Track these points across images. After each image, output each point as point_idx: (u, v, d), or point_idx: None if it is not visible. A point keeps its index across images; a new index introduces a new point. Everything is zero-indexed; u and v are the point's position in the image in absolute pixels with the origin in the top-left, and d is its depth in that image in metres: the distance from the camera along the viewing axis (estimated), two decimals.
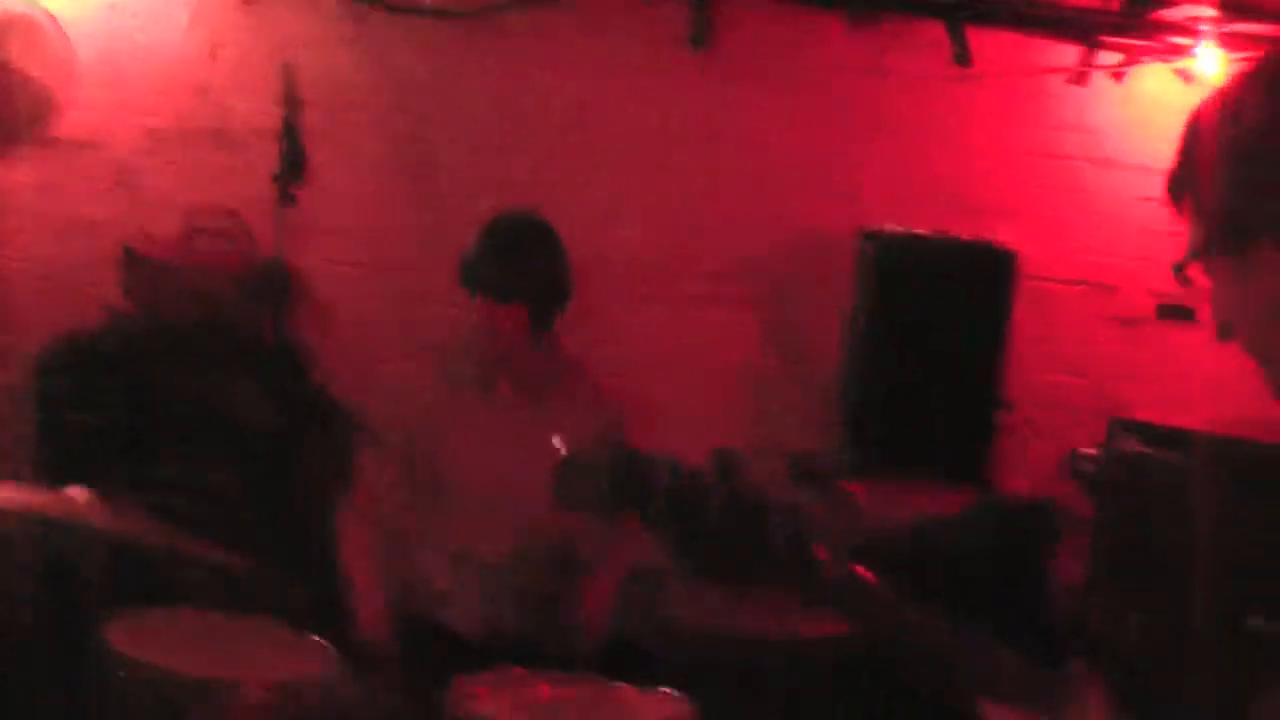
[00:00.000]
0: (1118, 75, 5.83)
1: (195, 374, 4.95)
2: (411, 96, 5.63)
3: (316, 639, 3.49)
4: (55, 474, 4.62)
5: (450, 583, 4.09)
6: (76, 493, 3.28)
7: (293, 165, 3.99)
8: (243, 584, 3.47)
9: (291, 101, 4.01)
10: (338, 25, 5.54)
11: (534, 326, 4.03)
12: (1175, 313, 5.84)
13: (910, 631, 1.88)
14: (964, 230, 5.45)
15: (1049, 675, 1.88)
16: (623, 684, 3.51)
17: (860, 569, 1.88)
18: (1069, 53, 5.77)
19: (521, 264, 4.01)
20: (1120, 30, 5.78)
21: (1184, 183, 1.65)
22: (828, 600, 1.89)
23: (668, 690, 3.46)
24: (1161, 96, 5.78)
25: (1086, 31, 5.78)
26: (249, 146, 5.41)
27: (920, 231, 5.37)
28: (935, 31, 5.69)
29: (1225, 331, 1.65)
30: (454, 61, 5.64)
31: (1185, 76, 5.74)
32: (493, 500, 4.06)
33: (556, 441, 1.93)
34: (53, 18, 5.19)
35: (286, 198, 4.05)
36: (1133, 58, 5.80)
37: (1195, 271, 1.66)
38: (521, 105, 5.66)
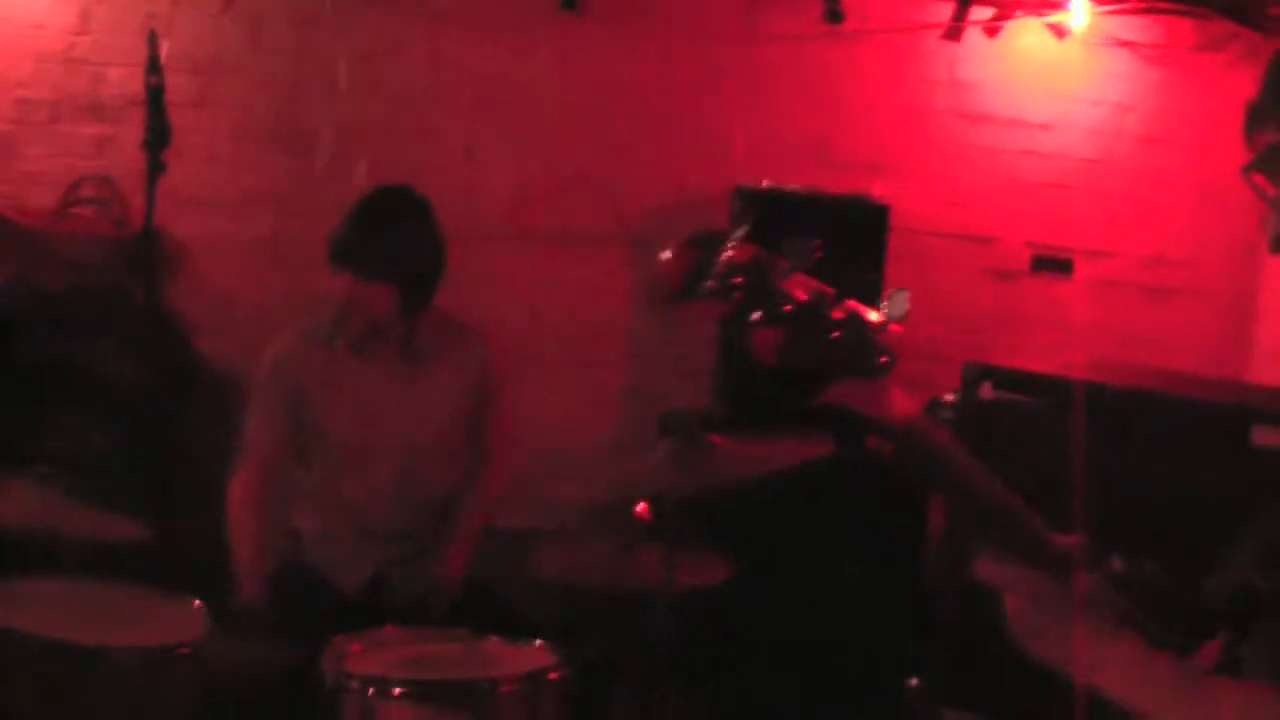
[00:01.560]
0: (991, 30, 5.88)
1: (69, 340, 4.94)
2: (282, 65, 5.60)
3: (192, 602, 3.48)
4: None
5: (328, 538, 4.12)
6: None
7: (159, 133, 3.95)
8: (124, 552, 3.46)
9: (156, 69, 3.97)
10: None
11: (405, 303, 4.03)
12: (1051, 265, 5.93)
13: (962, 477, 1.94)
14: (838, 186, 5.50)
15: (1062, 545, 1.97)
16: (492, 636, 3.55)
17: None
18: (943, 9, 5.82)
19: (389, 243, 3.99)
20: None
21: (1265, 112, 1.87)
22: (895, 437, 1.92)
23: (537, 642, 3.50)
24: (1035, 51, 5.85)
25: None
26: (122, 116, 5.40)
27: (793, 187, 5.41)
28: None
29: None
30: (324, 29, 5.61)
31: (1058, 31, 5.81)
32: (369, 459, 4.09)
33: None
34: None
35: (157, 166, 4.02)
36: (1006, 12, 5.85)
37: (1260, 180, 1.88)
38: (392, 71, 5.65)
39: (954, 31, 5.86)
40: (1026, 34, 5.89)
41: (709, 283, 1.83)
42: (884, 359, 1.85)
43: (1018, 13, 5.86)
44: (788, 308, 1.83)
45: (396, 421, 4.11)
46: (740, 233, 1.87)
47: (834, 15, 5.71)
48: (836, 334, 1.83)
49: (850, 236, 5.11)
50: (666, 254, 1.95)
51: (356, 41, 5.62)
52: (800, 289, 1.84)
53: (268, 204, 5.54)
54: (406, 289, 4.02)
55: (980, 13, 5.85)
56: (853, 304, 1.86)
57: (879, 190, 5.55)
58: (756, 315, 1.83)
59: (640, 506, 4.27)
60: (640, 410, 5.55)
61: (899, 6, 5.88)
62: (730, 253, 1.84)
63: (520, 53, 5.70)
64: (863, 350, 1.85)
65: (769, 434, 3.28)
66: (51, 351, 4.90)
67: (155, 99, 3.93)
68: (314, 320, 4.18)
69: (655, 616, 3.62)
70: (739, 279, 1.83)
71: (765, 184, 5.43)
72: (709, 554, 3.61)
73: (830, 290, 1.85)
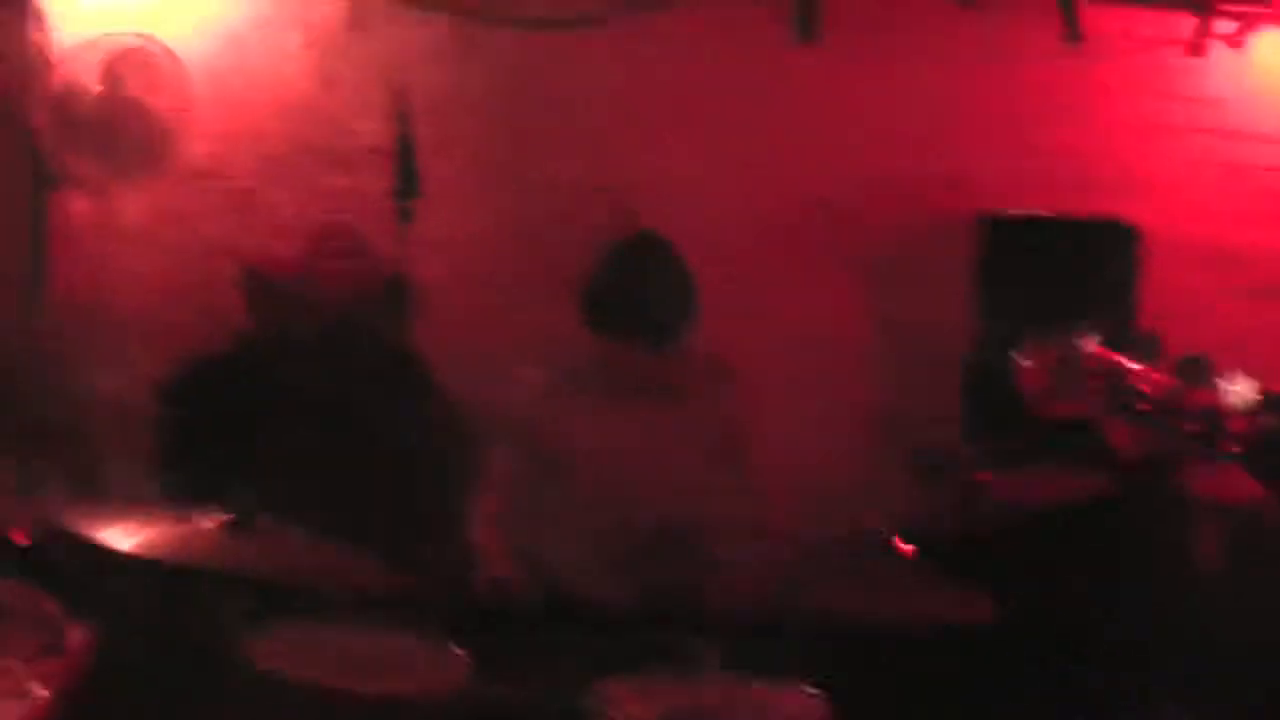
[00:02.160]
0: (1235, 43, 5.70)
1: (323, 387, 5.01)
2: (523, 107, 5.65)
3: (455, 650, 3.49)
4: (185, 497, 4.71)
5: (584, 574, 4.10)
6: (207, 520, 3.30)
7: (408, 182, 4.02)
8: (382, 598, 3.48)
9: (404, 120, 4.04)
10: (447, 42, 5.57)
11: (658, 350, 4.01)
12: None
13: None
14: (1084, 208, 5.37)
15: None
16: (758, 683, 3.48)
17: None
18: (1184, 24, 5.66)
19: (643, 303, 3.99)
20: None
21: None
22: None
23: (803, 688, 3.43)
24: None
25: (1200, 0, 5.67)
26: (365, 166, 5.50)
27: (1040, 212, 5.30)
28: (1046, 7, 5.61)
29: None
30: (563, 70, 5.65)
31: None
32: (624, 496, 4.07)
33: None
34: (168, 50, 5.28)
35: (404, 213, 4.08)
36: (1249, 24, 5.67)
37: None
38: (630, 107, 5.66)
39: (1197, 47, 5.70)
40: (1272, 45, 5.69)
41: (1071, 386, 1.82)
42: (1234, 448, 1.83)
43: (1262, 25, 5.67)
44: (1144, 406, 1.82)
45: (653, 459, 4.09)
46: (1089, 335, 1.84)
47: (1073, 34, 5.59)
48: (1192, 427, 1.82)
49: (1100, 260, 4.99)
50: (1027, 361, 1.94)
51: (595, 81, 5.64)
52: (1155, 385, 1.82)
53: (509, 244, 5.58)
54: (656, 343, 4.00)
55: (1223, 26, 5.68)
56: (1204, 396, 1.83)
57: (1127, 211, 5.40)
58: (1117, 412, 1.82)
59: (900, 540, 4.19)
60: (886, 439, 5.47)
61: (1138, 23, 5.73)
62: (1087, 355, 1.82)
63: (758, 83, 5.67)
64: (1215, 440, 1.83)
65: (1039, 471, 3.18)
66: (305, 399, 4.97)
67: (404, 149, 3.99)
68: (567, 357, 4.19)
69: (914, 653, 3.54)
70: (1098, 380, 1.82)
71: (1009, 210, 5.32)
72: (973, 592, 3.52)
73: (1180, 384, 1.83)
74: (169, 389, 5.14)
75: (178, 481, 4.87)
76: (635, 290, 3.98)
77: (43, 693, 2.56)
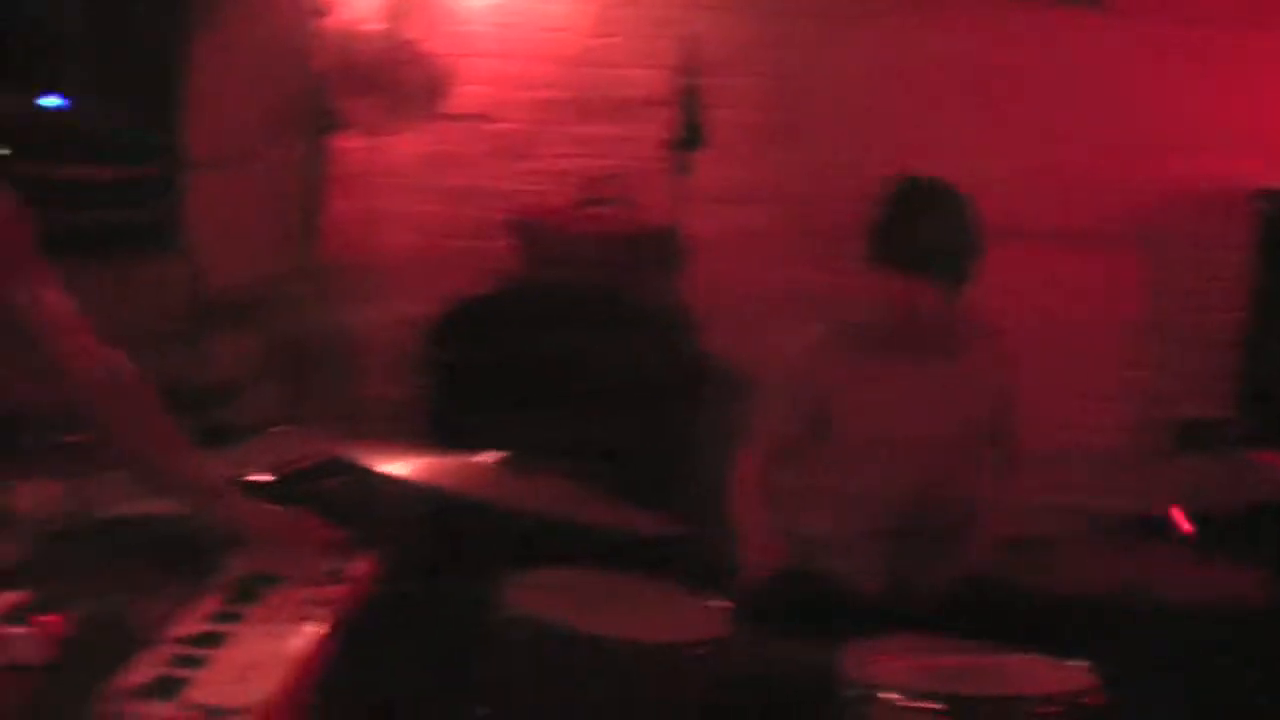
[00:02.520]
0: None
1: (585, 337, 5.03)
2: (800, 61, 5.58)
3: (712, 600, 3.46)
4: (451, 438, 4.76)
5: (840, 537, 4.04)
6: (484, 458, 3.32)
7: (692, 134, 3.99)
8: (644, 546, 3.46)
9: (692, 71, 4.00)
10: None
11: (944, 297, 3.92)
12: None
13: None
14: None
15: None
16: (1024, 652, 3.38)
17: None
18: None
19: (935, 236, 3.87)
20: None
21: None
22: None
23: (1072, 661, 3.32)
24: None
25: None
26: (638, 116, 5.48)
27: None
28: None
29: None
30: (841, 25, 5.56)
31: None
32: (892, 458, 4.00)
33: None
34: None
35: (682, 165, 4.05)
36: None
37: None
38: (910, 67, 5.55)
39: None
40: None
41: None
42: None
43: None
44: None
45: (922, 420, 4.00)
46: None
47: None
48: None
49: None
50: None
51: (862, 35, 5.55)
52: None
53: (775, 198, 5.52)
54: (948, 282, 3.90)
55: None
56: None
57: None
58: None
59: (1175, 512, 4.05)
60: (1152, 415, 5.32)
61: None
62: None
63: (1036, 47, 5.53)
64: None
65: None
66: (568, 348, 4.99)
67: (690, 100, 3.96)
68: (841, 315, 4.12)
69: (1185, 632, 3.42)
70: None
71: None
72: (1255, 572, 3.38)
73: None
74: (436, 329, 5.21)
75: (445, 422, 4.95)
76: (927, 224, 3.88)
77: (328, 618, 2.58)
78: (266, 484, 3.61)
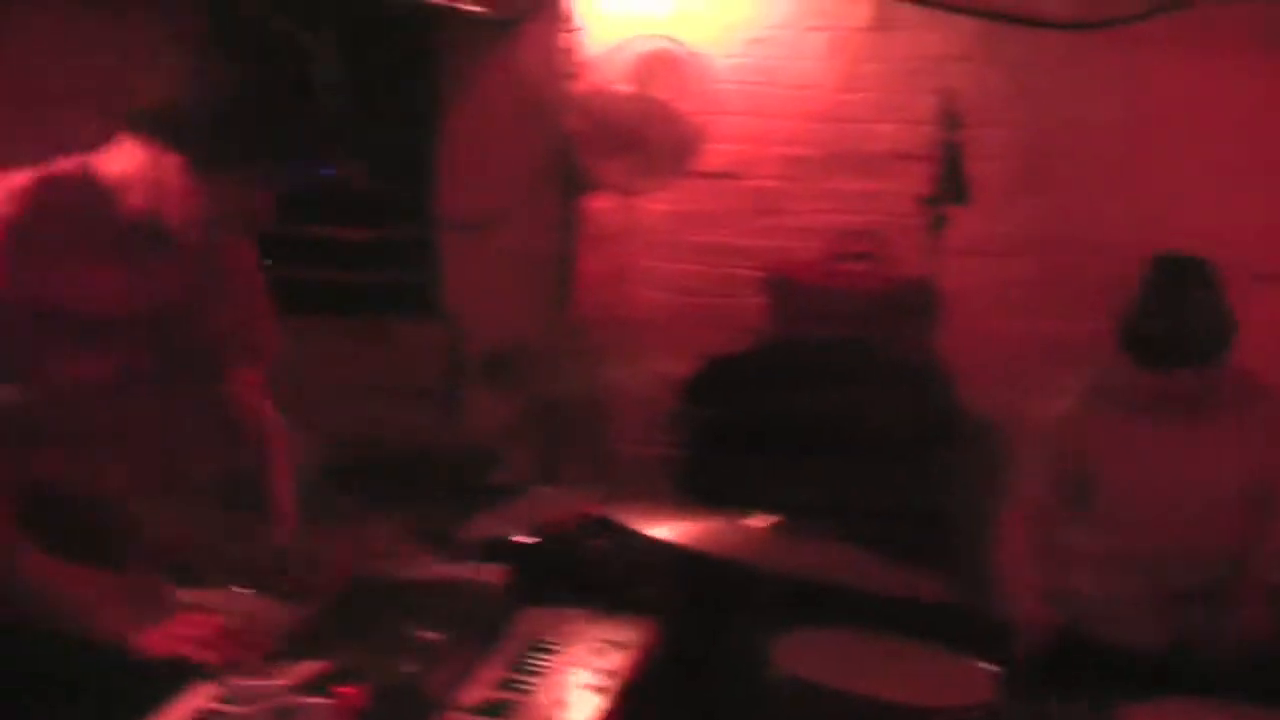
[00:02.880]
0: None
1: (840, 392, 5.00)
2: (1050, 112, 5.49)
3: (982, 664, 3.41)
4: (708, 496, 4.76)
5: (1111, 598, 3.96)
6: (750, 520, 3.30)
7: (954, 188, 3.96)
8: (912, 608, 3.42)
9: (952, 124, 3.98)
10: (975, 44, 5.46)
11: (1202, 378, 3.85)
12: None
13: None
14: None
15: None
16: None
17: None
18: None
19: (1187, 329, 3.80)
20: None
21: None
22: None
23: None
24: None
25: None
26: (889, 170, 5.47)
27: None
28: None
29: None
30: (1089, 74, 5.46)
31: None
32: (1156, 516, 3.91)
33: None
34: (696, 53, 5.35)
35: (938, 219, 4.03)
36: None
37: None
38: (1165, 111, 5.43)
39: None
40: None
41: None
42: None
43: None
44: None
45: (1189, 479, 3.91)
46: None
47: None
48: None
49: None
50: None
51: (1118, 81, 5.44)
52: None
53: (1029, 249, 5.44)
54: (1203, 368, 3.83)
55: None
56: None
57: None
58: None
59: None
60: None
61: None
62: None
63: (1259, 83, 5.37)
64: None
65: None
66: (822, 403, 4.97)
67: (951, 154, 3.93)
68: (1097, 374, 4.05)
69: None
70: None
71: None
72: None
73: None
74: (691, 387, 5.23)
75: (702, 479, 4.95)
76: (1177, 319, 3.81)
77: (610, 684, 2.60)
78: (530, 545, 3.64)
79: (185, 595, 2.60)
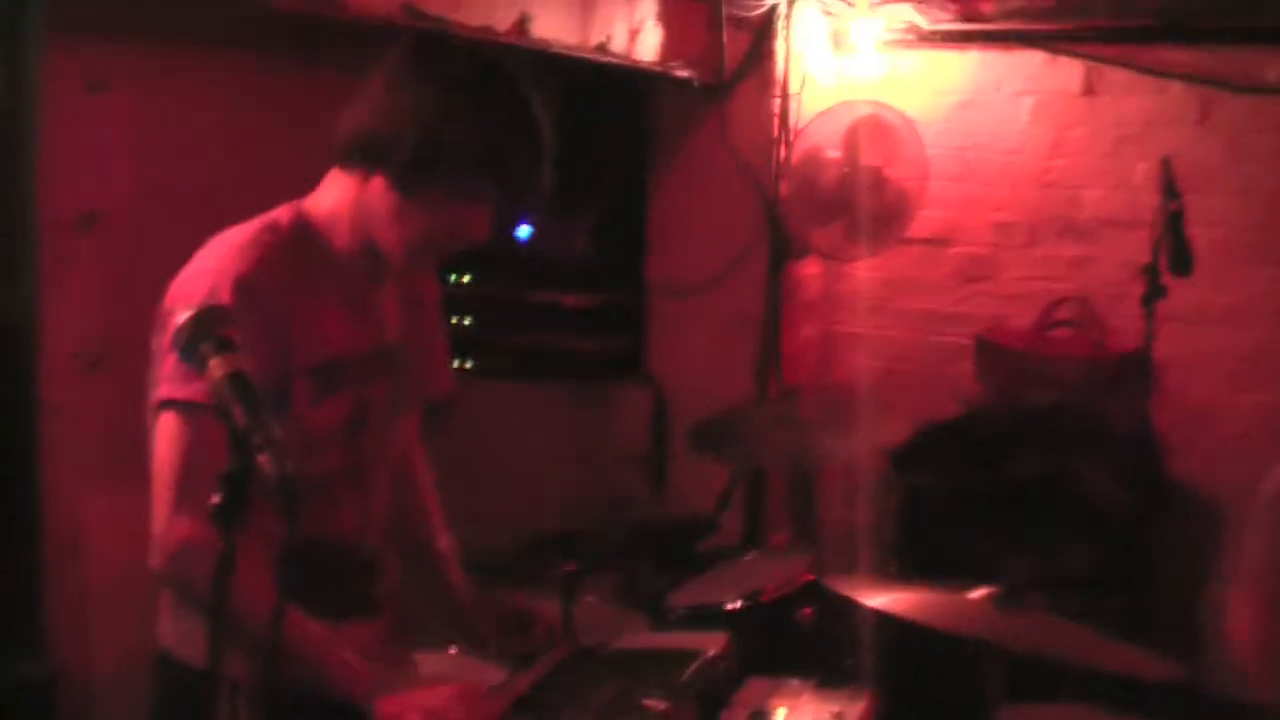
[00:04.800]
0: None
1: (1048, 463, 4.94)
2: (1263, 174, 5.38)
3: None
4: (920, 565, 4.74)
5: None
6: (972, 592, 3.28)
7: (1176, 257, 3.93)
8: (1137, 686, 3.36)
9: (1174, 194, 3.94)
10: (1188, 109, 5.39)
11: None
12: None
13: None
14: None
15: None
16: None
17: None
18: None
19: None
20: None
21: None
22: None
23: None
24: None
25: None
26: (1099, 237, 5.42)
27: None
28: None
29: None
30: None
31: None
32: None
33: None
34: (907, 120, 5.35)
35: (1157, 289, 3.99)
36: None
37: None
38: None
39: None
40: None
41: None
42: None
43: None
44: None
45: None
46: None
47: None
48: None
49: None
50: None
51: None
52: None
53: (1251, 319, 5.32)
54: None
55: None
56: None
57: None
58: None
59: None
60: None
61: None
62: None
63: None
64: None
65: None
66: (1032, 471, 4.91)
67: (1174, 223, 3.89)
68: None
69: None
70: None
71: None
72: None
73: None
74: (902, 454, 5.20)
75: (915, 549, 4.92)
76: None
77: None
78: (743, 611, 3.65)
79: (417, 658, 2.64)
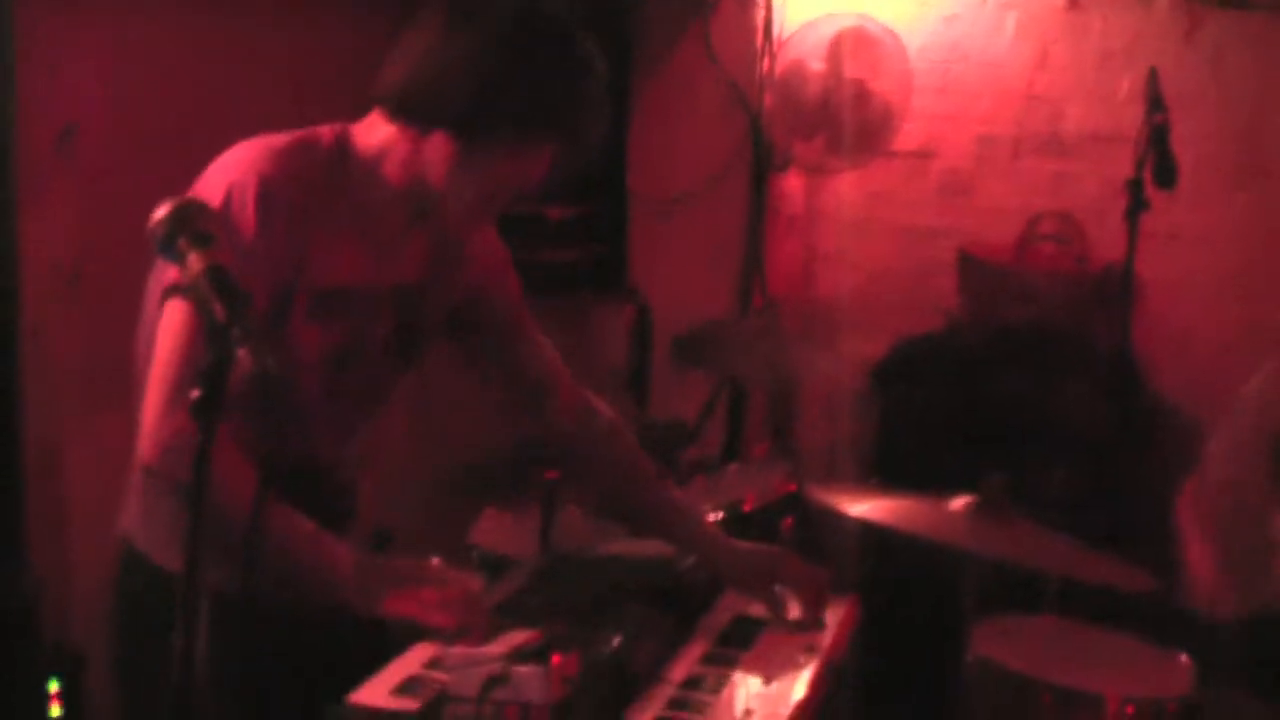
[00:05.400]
0: None
1: (1029, 378, 4.95)
2: (1245, 92, 5.37)
3: (1178, 656, 3.36)
4: (897, 478, 4.75)
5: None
6: (953, 502, 3.29)
7: (1161, 171, 3.91)
8: (1109, 597, 3.39)
9: (1159, 106, 3.93)
10: (1168, 25, 5.36)
11: None
12: None
13: None
14: None
15: None
16: None
17: None
18: None
19: None
20: None
21: None
22: None
23: None
24: None
25: None
26: (1084, 152, 5.40)
27: None
28: None
29: None
30: None
31: None
32: None
33: None
34: (891, 33, 5.32)
35: (1140, 203, 3.98)
36: None
37: None
38: None
39: None
40: None
41: None
42: None
43: None
44: None
45: None
46: None
47: None
48: None
49: None
50: None
51: None
52: None
53: (1230, 238, 5.32)
54: None
55: None
56: None
57: None
58: None
59: None
60: None
61: None
62: None
63: None
64: None
65: None
66: (1013, 387, 4.92)
67: (1159, 135, 3.88)
68: None
69: None
70: None
71: None
72: None
73: None
74: (882, 368, 5.22)
75: (891, 462, 4.94)
76: None
77: (816, 663, 2.61)
78: (722, 521, 3.66)
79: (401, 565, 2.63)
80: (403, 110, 2.53)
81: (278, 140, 2.53)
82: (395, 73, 2.53)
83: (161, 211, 1.94)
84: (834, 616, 2.83)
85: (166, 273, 2.33)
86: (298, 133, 2.57)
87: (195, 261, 1.89)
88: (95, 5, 3.81)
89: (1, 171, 3.50)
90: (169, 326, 2.40)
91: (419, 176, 2.54)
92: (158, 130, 3.84)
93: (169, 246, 1.93)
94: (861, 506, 3.32)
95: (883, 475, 4.85)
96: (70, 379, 3.78)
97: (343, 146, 2.58)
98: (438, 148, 2.50)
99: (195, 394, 1.77)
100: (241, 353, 1.78)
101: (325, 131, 2.59)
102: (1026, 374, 4.94)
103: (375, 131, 2.58)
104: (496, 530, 3.62)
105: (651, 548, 2.99)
